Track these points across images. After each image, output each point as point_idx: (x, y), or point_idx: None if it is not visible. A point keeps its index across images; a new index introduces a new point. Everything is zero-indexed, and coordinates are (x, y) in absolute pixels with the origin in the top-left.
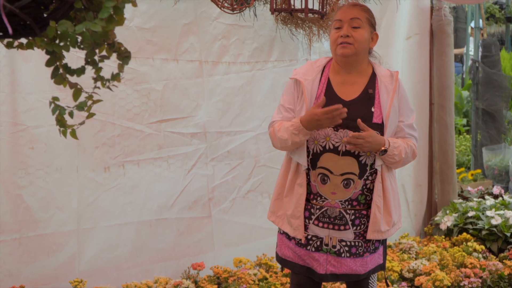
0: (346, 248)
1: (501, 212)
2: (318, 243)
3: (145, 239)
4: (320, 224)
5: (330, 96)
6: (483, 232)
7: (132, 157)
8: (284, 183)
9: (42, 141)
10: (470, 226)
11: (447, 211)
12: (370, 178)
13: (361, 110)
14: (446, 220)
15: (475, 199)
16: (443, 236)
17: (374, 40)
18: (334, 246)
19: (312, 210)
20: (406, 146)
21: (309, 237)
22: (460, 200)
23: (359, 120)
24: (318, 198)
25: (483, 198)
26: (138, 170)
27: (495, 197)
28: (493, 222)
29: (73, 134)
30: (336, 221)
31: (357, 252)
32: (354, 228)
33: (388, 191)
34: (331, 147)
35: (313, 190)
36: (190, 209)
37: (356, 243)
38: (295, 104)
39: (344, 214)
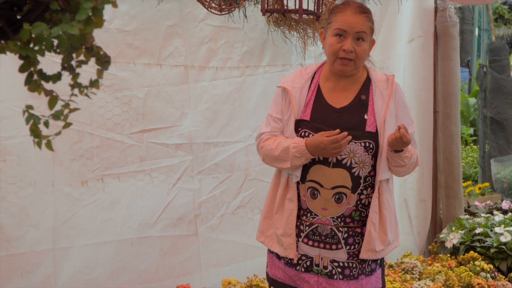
0: (339, 270)
1: (511, 228)
2: (308, 263)
3: (126, 259)
4: (310, 243)
5: (319, 104)
6: (492, 250)
7: (111, 170)
8: (274, 199)
9: (14, 153)
10: (477, 244)
11: (453, 228)
12: (364, 192)
13: (352, 118)
14: (452, 238)
15: (482, 214)
16: (449, 255)
17: (371, 47)
18: (325, 267)
19: (301, 227)
20: (413, 152)
21: (299, 256)
22: (467, 216)
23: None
24: (308, 214)
25: (492, 213)
26: (119, 185)
27: (504, 212)
28: (502, 239)
29: (49, 146)
30: (328, 239)
31: (351, 274)
32: (347, 247)
33: (384, 207)
34: (321, 158)
35: (303, 206)
36: (174, 227)
37: (350, 264)
38: (283, 113)
39: (336, 232)
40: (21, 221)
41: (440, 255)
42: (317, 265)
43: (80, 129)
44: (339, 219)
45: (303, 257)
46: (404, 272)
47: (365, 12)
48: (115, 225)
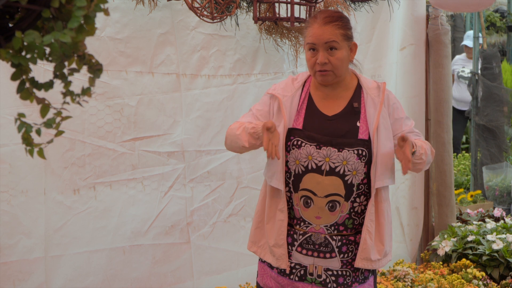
0: (333, 278)
1: (503, 236)
2: (302, 272)
3: (118, 267)
4: (304, 251)
5: (312, 112)
6: (484, 258)
7: (103, 178)
8: (264, 209)
9: (6, 161)
10: (469, 251)
11: (445, 236)
12: (357, 200)
13: (345, 126)
14: (444, 245)
15: (474, 222)
16: (441, 262)
17: (354, 51)
18: (319, 276)
19: (295, 236)
20: (423, 143)
21: (292, 265)
22: (459, 224)
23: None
24: (302, 223)
25: (484, 221)
26: (111, 193)
27: (496, 220)
28: (494, 247)
29: (41, 154)
30: (321, 248)
31: (345, 282)
32: (341, 255)
33: (383, 216)
34: (314, 166)
35: (296, 215)
36: (167, 235)
37: (344, 273)
38: (268, 118)
39: (330, 241)
40: (13, 229)
41: (432, 263)
42: (311, 274)
43: (72, 137)
44: (333, 227)
45: (297, 266)
46: (396, 280)
47: (334, 21)
48: (107, 233)
